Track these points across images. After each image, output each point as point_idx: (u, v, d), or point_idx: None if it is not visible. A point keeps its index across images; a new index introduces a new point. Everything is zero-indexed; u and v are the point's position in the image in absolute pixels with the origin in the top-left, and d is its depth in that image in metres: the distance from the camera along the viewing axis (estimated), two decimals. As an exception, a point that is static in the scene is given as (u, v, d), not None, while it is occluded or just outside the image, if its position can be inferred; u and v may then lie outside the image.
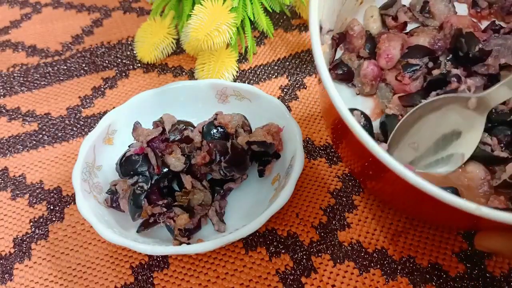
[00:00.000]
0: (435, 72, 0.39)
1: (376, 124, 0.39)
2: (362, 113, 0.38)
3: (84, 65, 0.54)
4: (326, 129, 0.43)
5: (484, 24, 0.45)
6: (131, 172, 0.36)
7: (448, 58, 0.40)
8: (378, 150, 0.25)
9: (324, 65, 0.27)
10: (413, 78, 0.39)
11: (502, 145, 0.36)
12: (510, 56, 0.38)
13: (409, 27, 0.45)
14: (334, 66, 0.42)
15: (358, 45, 0.43)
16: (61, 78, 0.53)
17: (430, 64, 0.39)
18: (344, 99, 0.41)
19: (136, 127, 0.38)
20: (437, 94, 0.37)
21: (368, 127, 0.38)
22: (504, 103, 0.36)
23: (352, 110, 0.38)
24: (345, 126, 0.26)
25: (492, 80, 0.38)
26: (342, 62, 0.43)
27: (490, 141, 0.36)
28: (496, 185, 0.34)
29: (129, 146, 0.38)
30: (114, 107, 0.44)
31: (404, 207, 0.35)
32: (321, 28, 0.32)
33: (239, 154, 0.36)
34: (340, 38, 0.42)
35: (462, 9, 0.47)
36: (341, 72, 0.42)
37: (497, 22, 0.43)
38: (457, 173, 0.35)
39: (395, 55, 0.40)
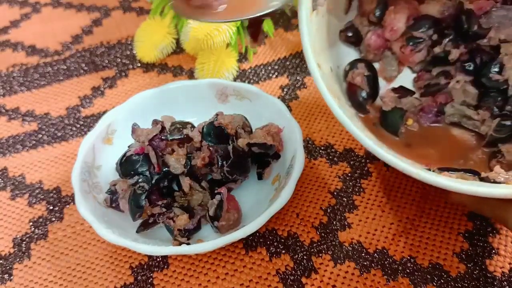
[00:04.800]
0: (436, 49, 0.40)
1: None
2: (367, 64, 0.39)
3: (83, 65, 0.54)
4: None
5: None
6: (132, 172, 0.36)
7: (449, 38, 0.40)
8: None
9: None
10: (416, 51, 0.40)
11: (494, 112, 0.36)
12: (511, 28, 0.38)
13: None
14: (345, 29, 0.43)
15: (368, 9, 0.42)
16: (61, 78, 0.53)
17: (435, 37, 0.40)
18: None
19: (135, 128, 0.38)
20: (438, 73, 0.39)
21: (372, 77, 0.39)
22: (500, 72, 0.36)
23: (358, 60, 0.40)
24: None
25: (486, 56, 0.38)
26: (353, 25, 0.43)
27: (476, 117, 0.36)
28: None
29: (128, 146, 0.38)
30: (113, 107, 0.43)
31: None
32: None
33: (241, 157, 0.36)
34: None
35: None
36: (350, 35, 0.43)
37: None
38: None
39: (400, 28, 0.40)
